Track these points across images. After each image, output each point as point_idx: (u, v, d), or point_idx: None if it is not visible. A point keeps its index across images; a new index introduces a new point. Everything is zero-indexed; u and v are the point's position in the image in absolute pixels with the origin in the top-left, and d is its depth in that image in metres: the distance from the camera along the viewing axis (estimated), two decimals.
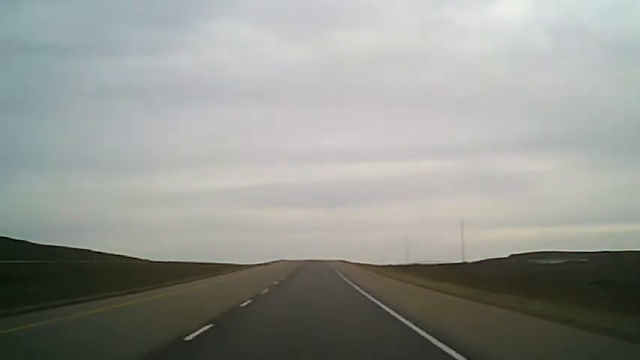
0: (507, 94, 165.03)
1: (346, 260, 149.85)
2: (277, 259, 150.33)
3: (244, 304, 22.38)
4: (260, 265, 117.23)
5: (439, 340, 12.17)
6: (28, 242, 70.74)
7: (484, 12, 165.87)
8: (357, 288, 34.27)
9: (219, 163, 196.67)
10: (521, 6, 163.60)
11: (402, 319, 16.31)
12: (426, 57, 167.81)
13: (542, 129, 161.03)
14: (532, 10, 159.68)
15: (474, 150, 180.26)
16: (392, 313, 18.48)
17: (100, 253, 78.38)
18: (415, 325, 14.89)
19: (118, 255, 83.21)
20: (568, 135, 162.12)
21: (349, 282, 42.87)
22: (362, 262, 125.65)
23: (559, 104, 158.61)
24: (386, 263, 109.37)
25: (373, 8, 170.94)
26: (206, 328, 14.61)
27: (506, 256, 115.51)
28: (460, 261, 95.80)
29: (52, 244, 73.63)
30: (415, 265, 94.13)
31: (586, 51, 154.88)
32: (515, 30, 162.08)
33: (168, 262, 79.98)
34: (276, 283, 40.40)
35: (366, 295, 27.84)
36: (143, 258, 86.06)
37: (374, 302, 23.22)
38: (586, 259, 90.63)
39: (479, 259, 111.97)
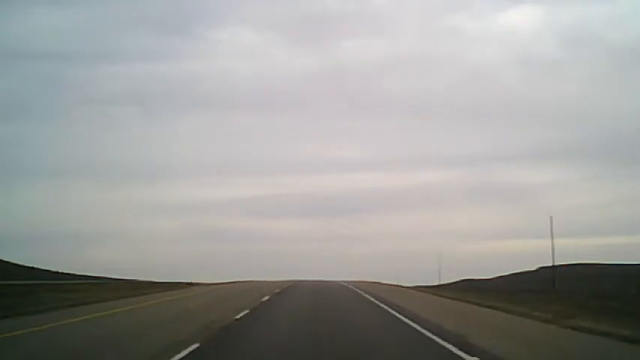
0: (516, 103, 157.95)
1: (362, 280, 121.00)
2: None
3: None
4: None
5: None
6: None
7: (493, 20, 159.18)
8: None
9: (218, 173, 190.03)
10: (531, 14, 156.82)
11: None
12: (432, 66, 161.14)
13: (554, 138, 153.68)
14: (542, 17, 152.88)
15: (481, 160, 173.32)
16: None
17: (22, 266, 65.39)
18: None
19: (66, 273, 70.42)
20: (580, 144, 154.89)
21: None
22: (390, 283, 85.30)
23: (570, 113, 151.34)
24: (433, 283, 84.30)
25: (380, 17, 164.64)
26: None
27: (534, 268, 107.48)
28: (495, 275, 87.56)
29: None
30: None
31: (597, 59, 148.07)
32: (524, 38, 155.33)
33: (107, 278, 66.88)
34: None
35: None
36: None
37: None
38: None
39: (506, 273, 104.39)
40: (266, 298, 34.29)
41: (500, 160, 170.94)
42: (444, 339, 16.08)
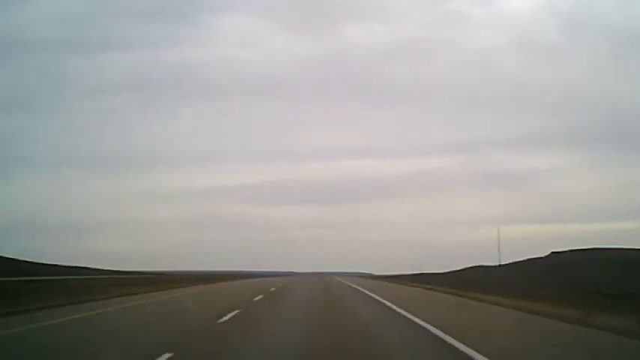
0: (518, 88, 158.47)
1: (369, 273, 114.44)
2: None
3: None
4: None
5: None
6: None
7: (496, 4, 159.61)
8: None
9: (219, 161, 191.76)
10: None
11: None
12: (433, 51, 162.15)
13: (556, 123, 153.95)
14: (543, 1, 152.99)
15: (484, 146, 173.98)
16: None
17: None
18: None
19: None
20: (582, 130, 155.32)
21: None
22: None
23: (572, 98, 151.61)
24: None
25: (381, 2, 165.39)
26: None
27: (545, 254, 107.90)
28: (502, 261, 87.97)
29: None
30: None
31: (598, 44, 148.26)
32: (525, 22, 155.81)
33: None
34: None
35: None
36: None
37: None
38: None
39: (518, 260, 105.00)
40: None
41: (504, 145, 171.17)
42: None
